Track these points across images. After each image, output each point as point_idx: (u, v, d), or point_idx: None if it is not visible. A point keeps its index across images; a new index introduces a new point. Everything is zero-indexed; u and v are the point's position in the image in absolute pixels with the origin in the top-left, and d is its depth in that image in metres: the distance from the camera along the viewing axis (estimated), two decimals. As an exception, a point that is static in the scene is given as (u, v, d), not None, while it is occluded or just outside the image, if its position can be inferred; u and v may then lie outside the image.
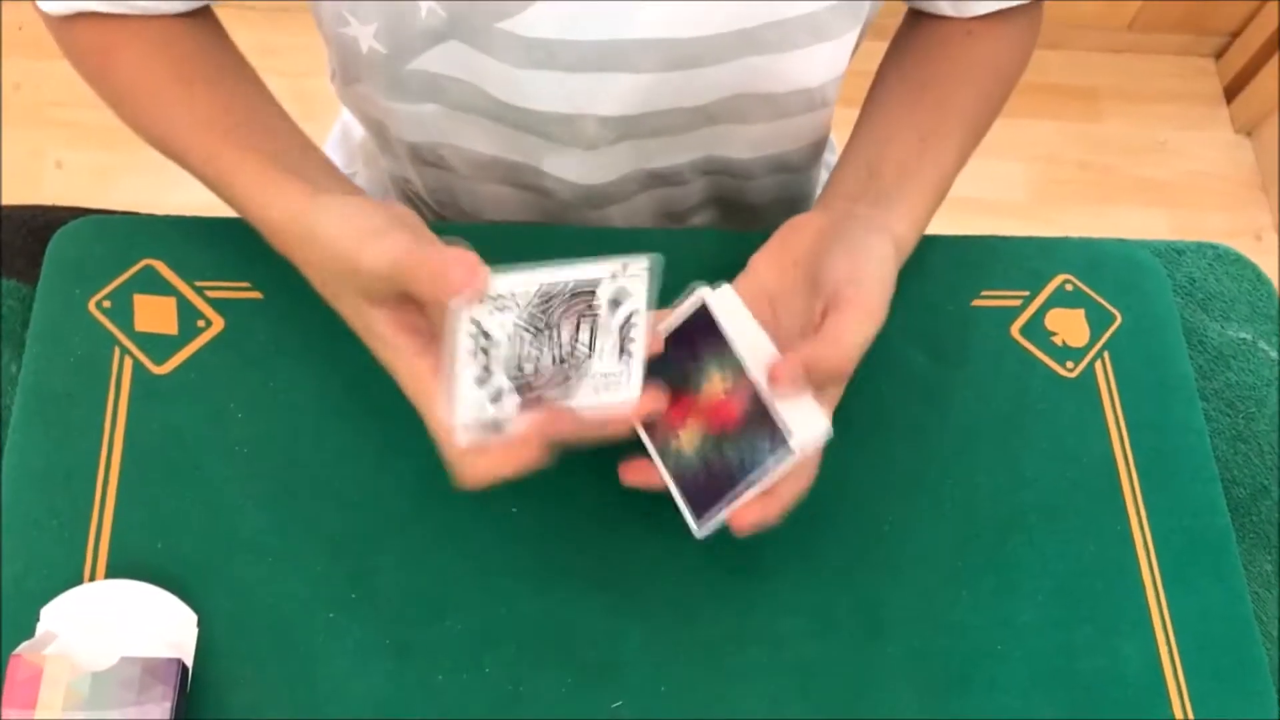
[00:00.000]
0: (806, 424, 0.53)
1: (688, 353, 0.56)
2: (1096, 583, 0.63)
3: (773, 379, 0.52)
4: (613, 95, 0.63)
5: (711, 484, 0.55)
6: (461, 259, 0.49)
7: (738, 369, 0.54)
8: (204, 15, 0.65)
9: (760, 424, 0.53)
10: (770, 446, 0.53)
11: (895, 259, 0.59)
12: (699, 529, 0.56)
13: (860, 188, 0.63)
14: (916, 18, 0.71)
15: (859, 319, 0.55)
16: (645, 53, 0.61)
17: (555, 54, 0.60)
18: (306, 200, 0.57)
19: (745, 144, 0.71)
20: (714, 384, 0.55)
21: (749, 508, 0.54)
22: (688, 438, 0.56)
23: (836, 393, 0.57)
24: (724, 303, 0.55)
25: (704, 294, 0.55)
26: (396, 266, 0.51)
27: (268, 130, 0.62)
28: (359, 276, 0.53)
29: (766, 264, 0.60)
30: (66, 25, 0.64)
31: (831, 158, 0.93)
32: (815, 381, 0.53)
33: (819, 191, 0.83)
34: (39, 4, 0.62)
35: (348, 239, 0.53)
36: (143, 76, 0.63)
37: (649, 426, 0.57)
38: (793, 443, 0.52)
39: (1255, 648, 0.62)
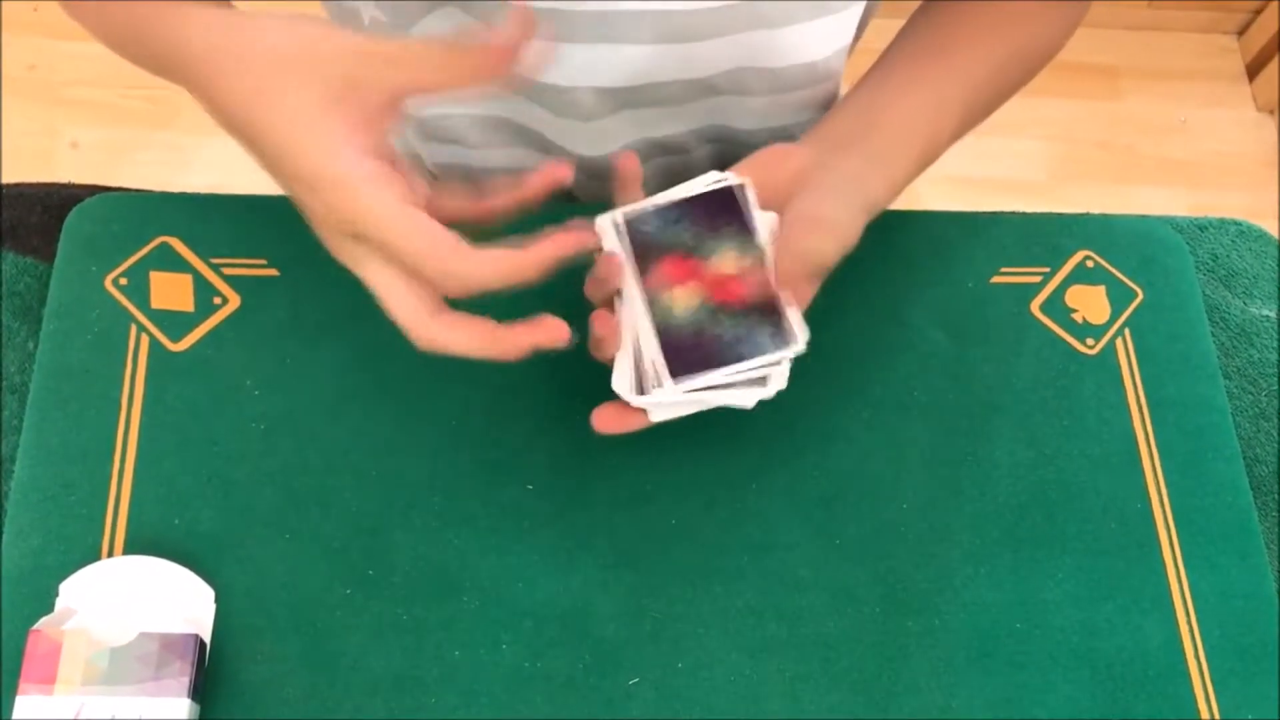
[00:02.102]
0: (803, 330, 0.53)
1: (704, 224, 0.55)
2: (1117, 561, 0.62)
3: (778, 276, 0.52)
4: (608, 67, 0.63)
5: (698, 350, 0.53)
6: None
7: (757, 257, 0.54)
8: None
9: (765, 315, 0.53)
10: (772, 336, 0.53)
11: (864, 214, 0.58)
12: (677, 383, 0.53)
13: (854, 137, 0.62)
14: None
15: (810, 229, 0.54)
16: (640, 25, 0.60)
17: (549, 24, 0.59)
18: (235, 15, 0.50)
19: (748, 115, 0.70)
20: (727, 260, 0.55)
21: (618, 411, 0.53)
22: (683, 297, 0.54)
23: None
24: (749, 194, 0.56)
25: (732, 179, 0.55)
26: (421, 53, 0.46)
27: None
28: (337, 66, 0.46)
29: (798, 225, 0.59)
30: None
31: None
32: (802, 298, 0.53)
33: None
34: None
35: (340, 34, 0.47)
36: None
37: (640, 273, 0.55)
38: (799, 343, 0.53)
39: (1276, 627, 0.61)
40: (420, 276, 0.48)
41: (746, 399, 0.54)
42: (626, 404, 0.54)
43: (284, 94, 0.47)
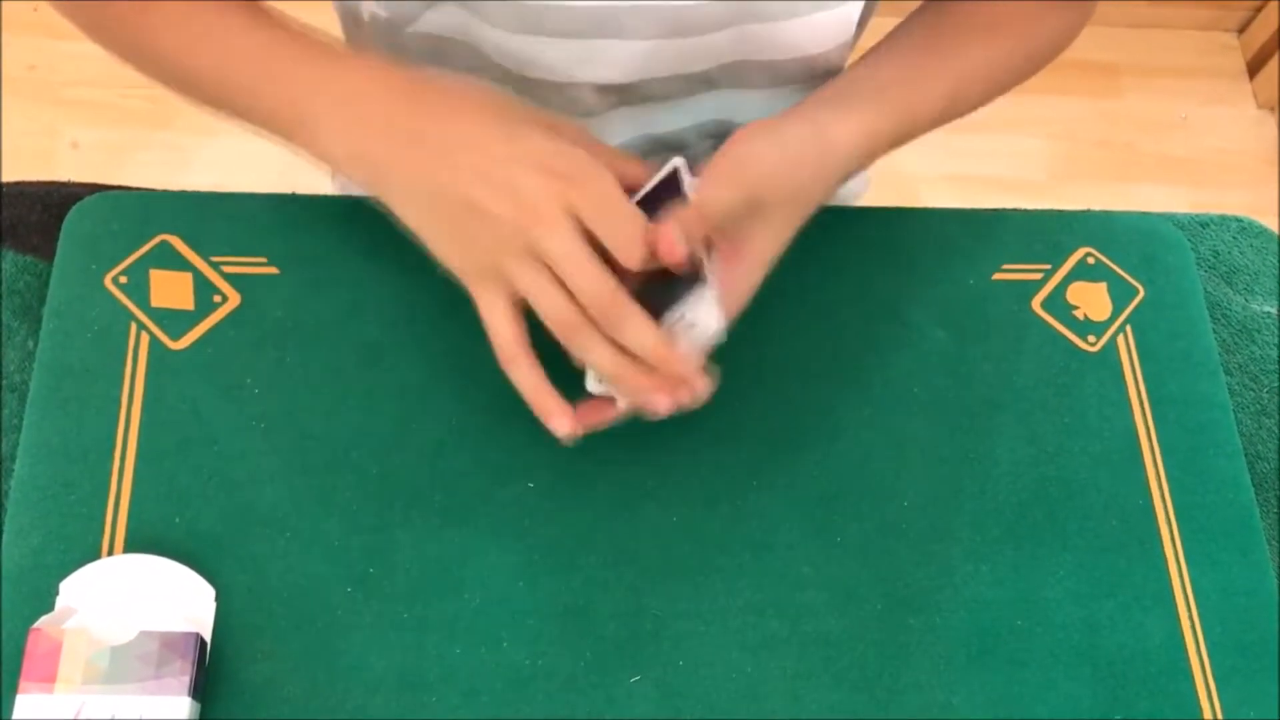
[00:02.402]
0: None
1: (655, 216, 0.55)
2: (1119, 558, 0.62)
3: (663, 242, 0.53)
4: (607, 62, 0.63)
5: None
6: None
7: None
8: None
9: (683, 280, 0.54)
10: (686, 286, 0.54)
11: (812, 144, 0.58)
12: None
13: (823, 98, 0.62)
14: None
15: (711, 181, 0.55)
16: (638, 19, 0.60)
17: (546, 20, 0.60)
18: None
19: (748, 109, 0.70)
20: None
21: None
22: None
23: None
24: (684, 174, 0.56)
25: (677, 161, 0.56)
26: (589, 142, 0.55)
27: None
28: (542, 113, 0.55)
29: (705, 175, 0.59)
30: None
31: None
32: (691, 241, 0.53)
33: None
34: None
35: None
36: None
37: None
38: (709, 289, 0.53)
39: (1278, 623, 0.61)
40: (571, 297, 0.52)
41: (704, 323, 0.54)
42: (597, 401, 0.56)
43: (492, 105, 0.55)
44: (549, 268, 0.52)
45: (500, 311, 0.54)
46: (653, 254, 0.53)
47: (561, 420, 0.55)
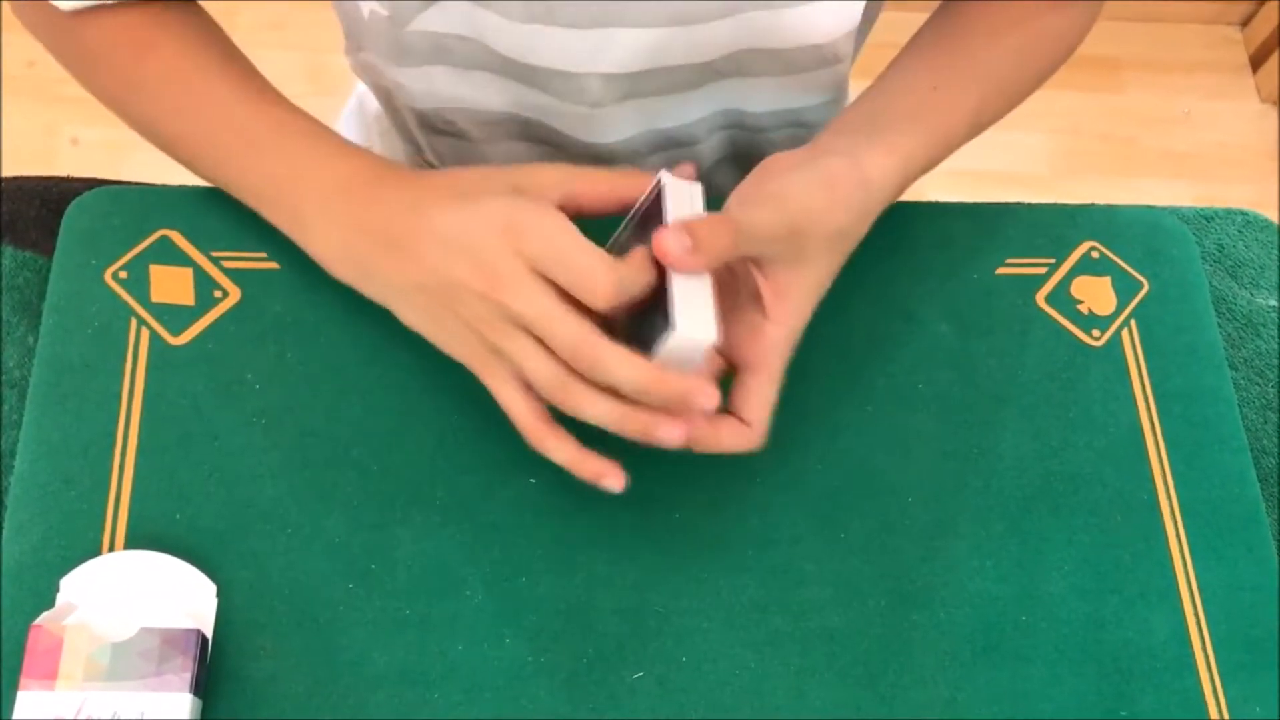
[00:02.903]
0: (696, 318, 0.51)
1: (643, 236, 0.54)
2: (1123, 554, 0.62)
3: (656, 246, 0.51)
4: (614, 52, 0.62)
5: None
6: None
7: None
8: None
9: (659, 309, 0.52)
10: (660, 331, 0.51)
11: (854, 184, 0.57)
12: None
13: (855, 126, 0.62)
14: None
15: (749, 206, 0.54)
16: (644, 8, 0.60)
17: (553, 10, 0.59)
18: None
19: (756, 98, 0.70)
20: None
21: (675, 421, 0.53)
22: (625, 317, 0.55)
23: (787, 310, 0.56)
24: (681, 192, 0.54)
25: (663, 176, 0.54)
26: (564, 170, 0.55)
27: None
28: (516, 174, 0.55)
29: (738, 203, 0.58)
30: (79, 24, 0.62)
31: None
32: (700, 247, 0.52)
33: None
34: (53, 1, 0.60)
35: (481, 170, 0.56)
36: (184, 64, 0.62)
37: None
38: (677, 332, 0.51)
39: (1285, 619, 0.61)
40: (566, 353, 0.52)
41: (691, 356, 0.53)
42: None
43: (479, 195, 0.54)
44: (527, 331, 0.52)
45: (511, 391, 0.55)
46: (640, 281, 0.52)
47: (613, 480, 0.54)
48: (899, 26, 0.70)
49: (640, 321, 0.53)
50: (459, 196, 0.55)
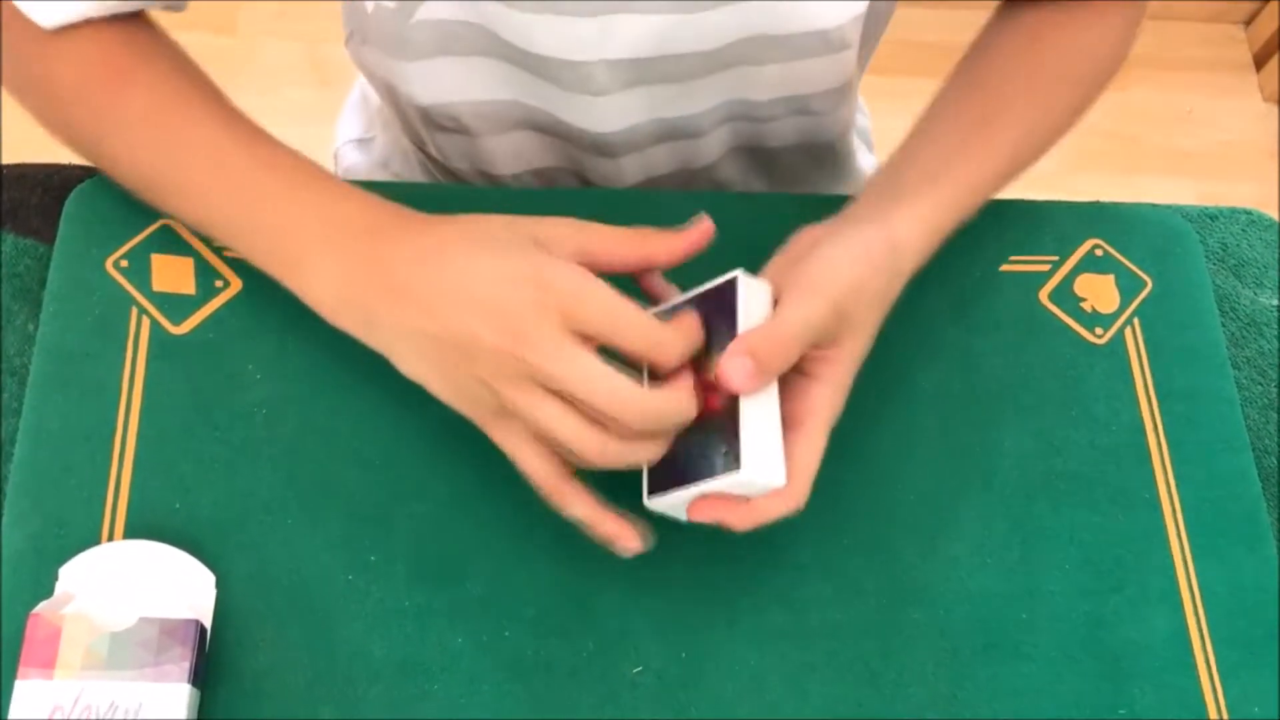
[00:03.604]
0: (765, 459, 0.50)
1: (707, 324, 0.53)
2: (1125, 552, 0.62)
3: (720, 375, 0.51)
4: (619, 39, 0.62)
5: (671, 464, 0.53)
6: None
7: None
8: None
9: (725, 429, 0.51)
10: (723, 457, 0.50)
11: (887, 252, 0.57)
12: (648, 501, 0.54)
13: (883, 189, 0.62)
14: (991, 22, 0.69)
15: (794, 297, 0.53)
16: None
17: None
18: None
19: (762, 86, 0.69)
20: (714, 364, 0.52)
21: (711, 505, 0.52)
22: None
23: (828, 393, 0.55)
24: (753, 292, 0.53)
25: (739, 274, 0.53)
26: (580, 226, 0.53)
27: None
28: (534, 227, 0.53)
29: (772, 272, 0.58)
30: (53, 55, 0.60)
31: (861, 119, 0.91)
32: (764, 368, 0.51)
33: (846, 136, 0.82)
34: (33, 15, 0.58)
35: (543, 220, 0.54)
36: (165, 100, 0.60)
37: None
38: (741, 473, 0.50)
39: (1286, 619, 0.61)
40: (587, 406, 0.50)
41: (747, 491, 0.52)
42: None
43: (496, 245, 0.53)
44: (556, 393, 0.50)
45: (526, 451, 0.53)
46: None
47: (629, 544, 0.54)
48: (914, 24, 0.70)
49: (696, 435, 0.52)
50: (476, 246, 0.53)
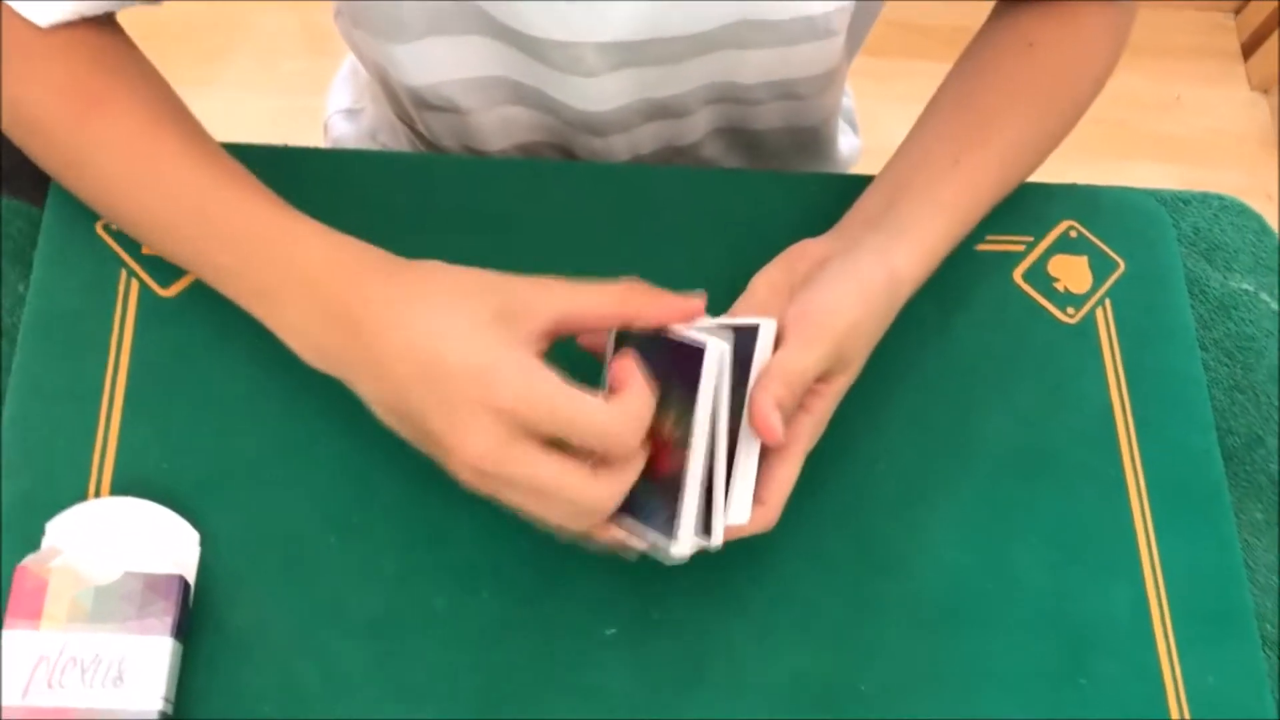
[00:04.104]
0: (739, 502, 0.52)
1: (665, 373, 0.51)
2: (1089, 527, 0.63)
3: (756, 423, 0.51)
4: (609, 22, 0.63)
5: (631, 495, 0.52)
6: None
7: (684, 434, 0.50)
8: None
9: (670, 492, 0.50)
10: (666, 521, 0.51)
11: (886, 288, 0.58)
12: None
13: (878, 213, 0.62)
14: (983, 31, 0.69)
15: (802, 343, 0.54)
16: None
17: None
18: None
19: (749, 71, 0.70)
20: (668, 422, 0.52)
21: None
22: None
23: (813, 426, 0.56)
24: (719, 361, 0.50)
25: (711, 342, 0.50)
26: (559, 291, 0.51)
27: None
28: (507, 289, 0.51)
29: (766, 288, 0.59)
30: (42, 50, 0.58)
31: (845, 101, 0.92)
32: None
33: (831, 120, 0.83)
34: (23, 11, 0.56)
35: (504, 279, 0.52)
36: (135, 129, 0.58)
37: None
38: (672, 548, 0.50)
39: (1242, 595, 0.62)
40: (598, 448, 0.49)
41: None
42: None
43: (459, 313, 0.50)
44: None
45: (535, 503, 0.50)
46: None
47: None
48: (902, 5, 0.70)
49: (647, 482, 0.52)
50: (434, 314, 0.51)
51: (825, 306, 0.56)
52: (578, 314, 0.52)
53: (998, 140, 0.64)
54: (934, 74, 0.69)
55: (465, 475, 0.50)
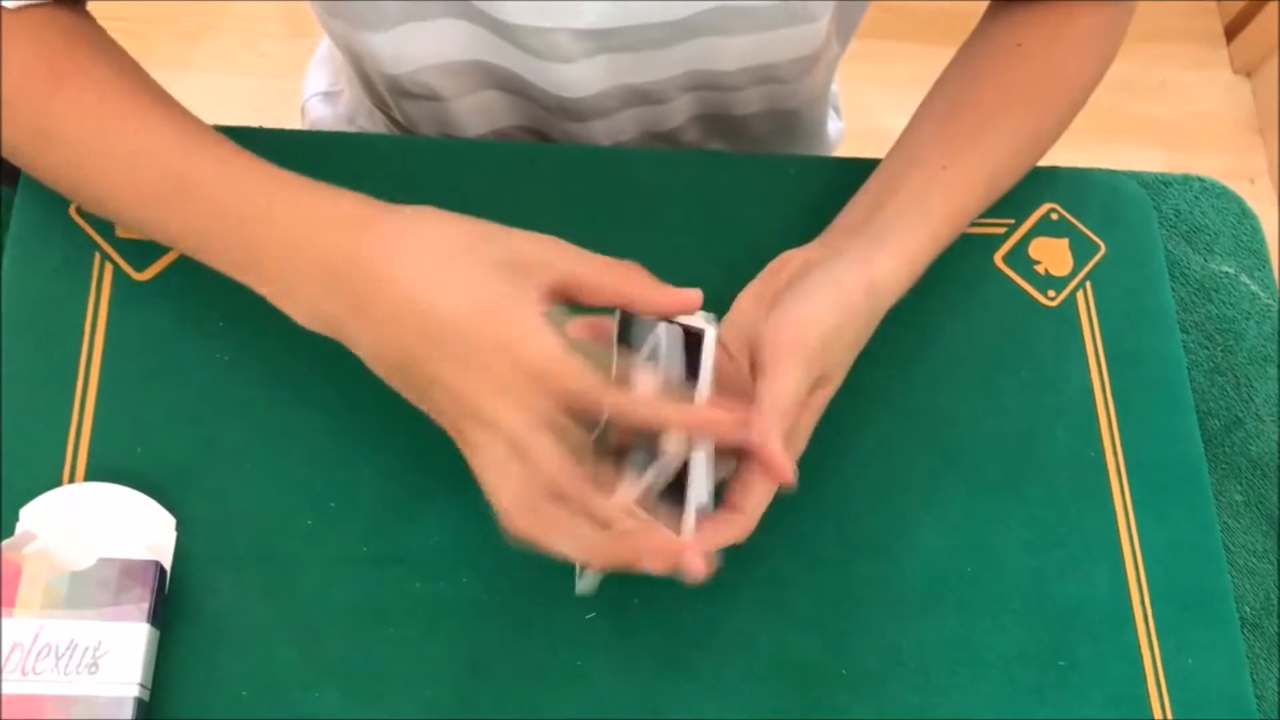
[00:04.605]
0: (700, 490, 0.52)
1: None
2: (1069, 510, 0.63)
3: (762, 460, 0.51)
4: (585, 10, 0.62)
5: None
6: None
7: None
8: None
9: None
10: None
11: (865, 297, 0.57)
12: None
13: (863, 220, 0.62)
14: (976, 30, 0.69)
15: (784, 367, 0.53)
16: None
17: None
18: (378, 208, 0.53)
19: (728, 57, 0.70)
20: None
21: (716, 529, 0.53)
22: None
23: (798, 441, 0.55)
24: (707, 342, 0.51)
25: (708, 331, 0.51)
26: (566, 252, 0.50)
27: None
28: (514, 242, 0.50)
29: (750, 301, 0.59)
30: (11, 32, 0.56)
31: (831, 85, 0.91)
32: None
33: (816, 104, 0.83)
34: None
35: (475, 223, 0.50)
36: (106, 102, 0.57)
37: None
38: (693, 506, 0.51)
39: (1221, 577, 0.63)
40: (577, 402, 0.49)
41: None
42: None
43: (460, 262, 0.49)
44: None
45: (497, 463, 0.50)
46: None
47: (694, 556, 0.50)
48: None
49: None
50: (442, 264, 0.50)
51: (802, 317, 0.55)
52: (585, 277, 0.51)
53: (988, 146, 0.63)
54: (914, 56, 0.69)
55: (483, 438, 0.49)
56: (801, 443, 0.56)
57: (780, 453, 0.51)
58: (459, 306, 0.48)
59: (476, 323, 0.48)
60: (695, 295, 0.51)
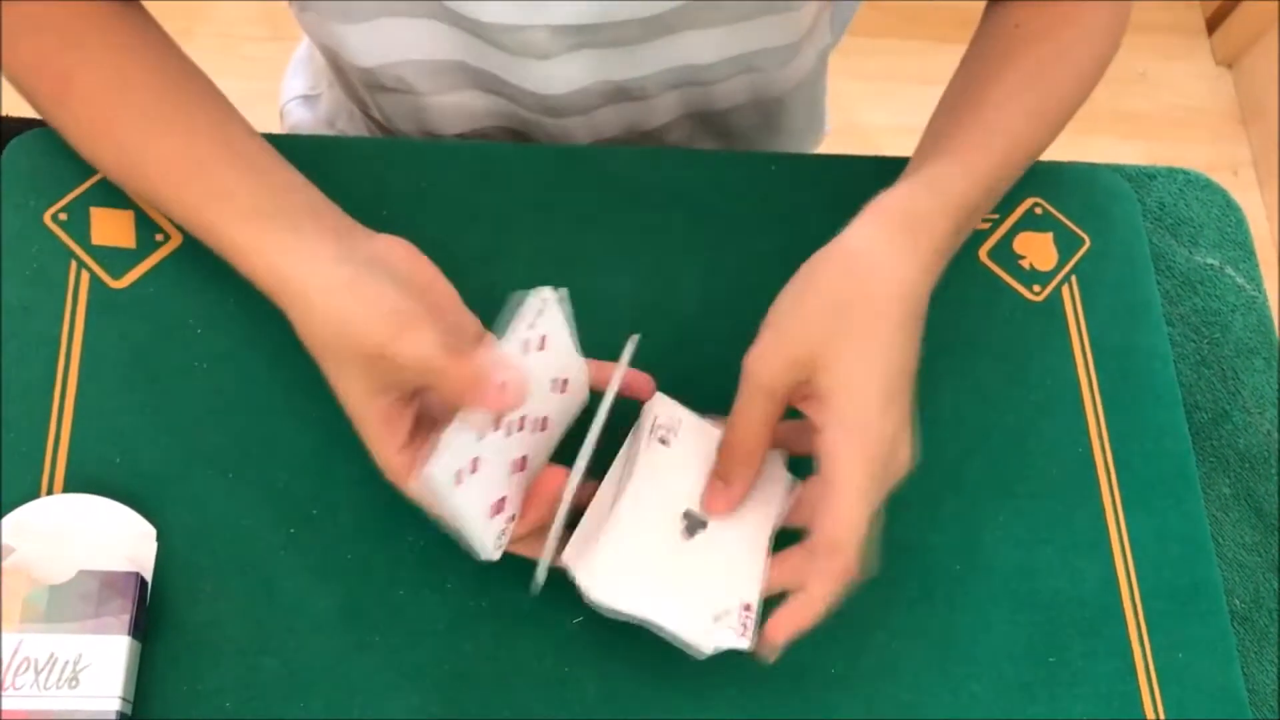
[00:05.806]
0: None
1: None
2: (1057, 505, 0.63)
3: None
4: (560, 5, 0.62)
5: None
6: (499, 368, 0.48)
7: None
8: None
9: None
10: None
11: (900, 303, 0.53)
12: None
13: (902, 190, 0.59)
14: (978, 34, 0.68)
15: (741, 393, 0.53)
16: None
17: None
18: (315, 264, 0.54)
19: (708, 49, 0.69)
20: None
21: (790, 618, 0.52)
22: None
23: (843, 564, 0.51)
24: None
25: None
26: (426, 365, 0.49)
27: (248, 158, 0.59)
28: (377, 364, 0.50)
29: (762, 363, 0.53)
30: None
31: (824, 76, 0.90)
32: (743, 487, 0.54)
33: (800, 92, 0.81)
34: None
35: (375, 324, 0.50)
36: (107, 99, 0.58)
37: None
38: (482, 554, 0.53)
39: (1210, 570, 0.62)
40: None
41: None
42: None
43: (337, 371, 0.53)
44: None
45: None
46: None
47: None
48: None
49: None
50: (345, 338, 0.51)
51: (774, 315, 0.54)
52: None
53: (994, 135, 0.62)
54: (898, 51, 0.69)
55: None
56: (865, 436, 0.50)
57: (722, 501, 0.55)
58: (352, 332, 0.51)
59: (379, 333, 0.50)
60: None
